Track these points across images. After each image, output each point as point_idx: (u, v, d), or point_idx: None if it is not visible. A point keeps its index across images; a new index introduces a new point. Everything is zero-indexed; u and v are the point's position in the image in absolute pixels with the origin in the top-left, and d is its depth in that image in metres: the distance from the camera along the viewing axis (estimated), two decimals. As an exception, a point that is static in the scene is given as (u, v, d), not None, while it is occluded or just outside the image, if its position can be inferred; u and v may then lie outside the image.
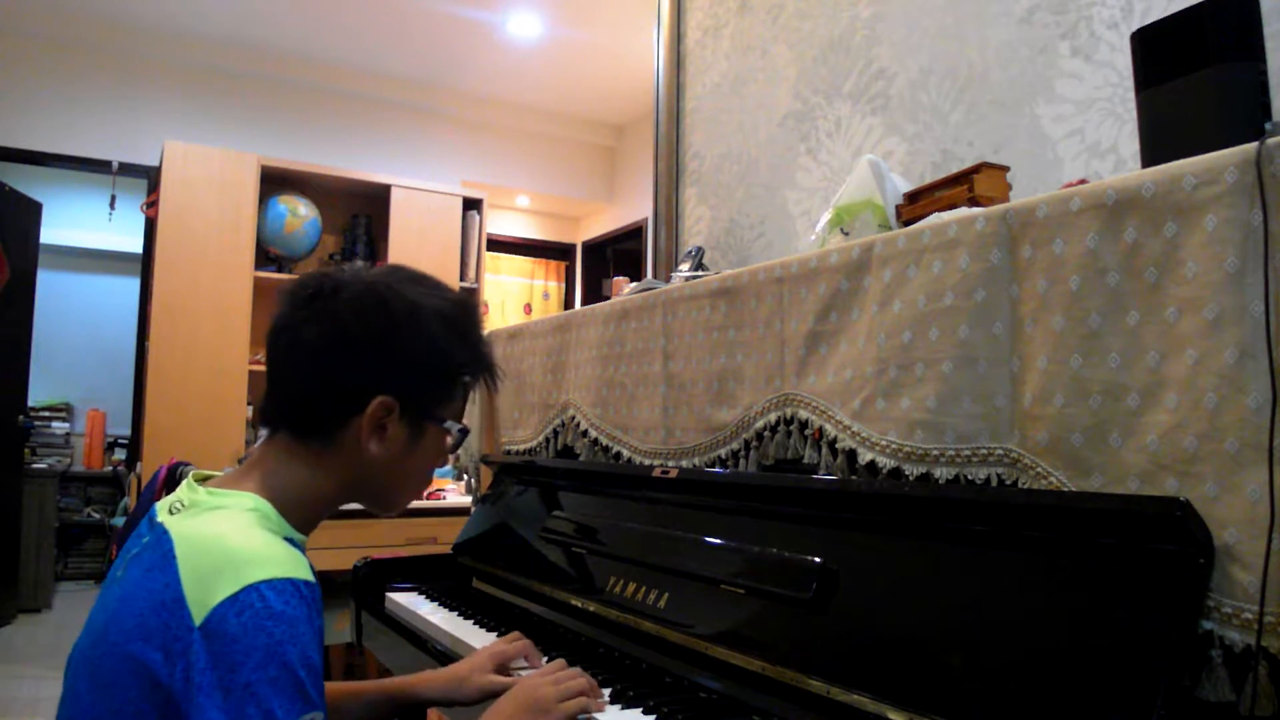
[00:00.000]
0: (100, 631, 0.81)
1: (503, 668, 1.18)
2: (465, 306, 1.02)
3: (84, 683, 0.80)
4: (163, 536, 0.83)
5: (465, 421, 1.03)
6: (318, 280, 0.96)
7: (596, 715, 1.00)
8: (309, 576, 0.82)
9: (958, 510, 0.92)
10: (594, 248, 6.64)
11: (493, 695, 1.13)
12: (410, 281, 0.99)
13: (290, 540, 0.88)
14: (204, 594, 0.77)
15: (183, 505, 0.89)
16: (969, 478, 0.93)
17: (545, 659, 1.25)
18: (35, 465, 5.34)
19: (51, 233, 5.50)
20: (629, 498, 1.45)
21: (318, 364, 0.93)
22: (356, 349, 0.93)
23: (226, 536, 0.82)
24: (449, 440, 1.01)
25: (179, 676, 0.75)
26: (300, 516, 0.92)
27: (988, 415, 0.93)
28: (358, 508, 1.04)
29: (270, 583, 0.77)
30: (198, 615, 0.76)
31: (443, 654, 1.38)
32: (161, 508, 0.90)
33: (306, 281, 0.97)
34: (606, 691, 1.06)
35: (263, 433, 0.99)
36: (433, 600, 1.65)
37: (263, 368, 4.26)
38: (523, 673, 1.19)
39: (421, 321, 0.96)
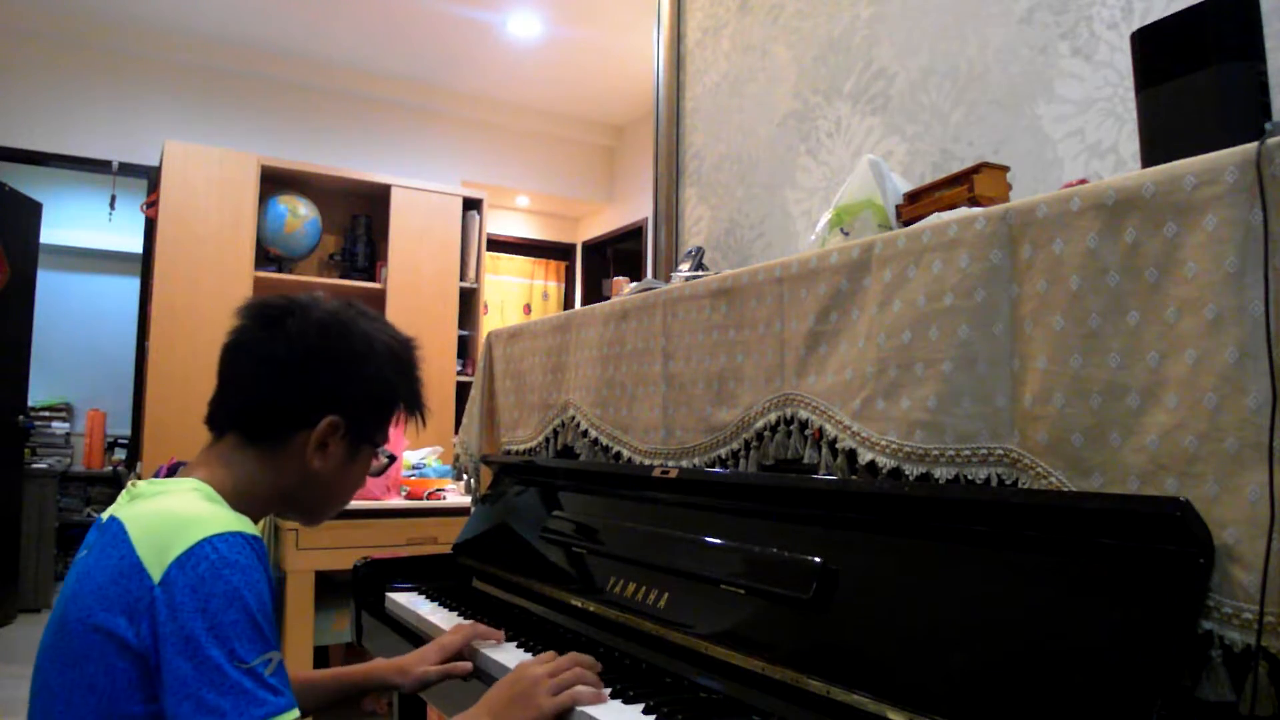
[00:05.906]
0: (60, 618, 0.85)
1: (454, 656, 1.25)
2: (410, 347, 1.13)
3: (52, 671, 0.84)
4: (110, 524, 0.89)
5: (405, 442, 1.12)
6: (285, 303, 1.04)
7: (596, 713, 1.00)
8: (254, 532, 0.88)
9: (957, 510, 0.92)
10: (594, 248, 6.63)
11: (429, 685, 1.23)
12: (365, 317, 1.08)
13: None
14: (159, 555, 0.82)
15: (126, 500, 0.94)
16: (969, 478, 0.93)
17: (504, 632, 1.31)
18: (35, 465, 5.33)
19: (51, 233, 5.50)
20: (629, 498, 1.45)
21: (282, 378, 1.00)
22: (318, 370, 1.01)
23: (174, 508, 0.88)
24: (377, 463, 1.11)
25: (145, 633, 0.80)
26: (240, 508, 0.96)
27: (988, 415, 0.93)
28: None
29: (220, 536, 0.84)
30: (155, 574, 0.81)
31: (443, 654, 1.38)
32: (107, 512, 0.95)
33: (273, 302, 1.05)
34: (606, 690, 1.06)
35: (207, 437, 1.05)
36: (433, 600, 1.65)
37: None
38: (488, 653, 1.25)
39: (375, 354, 1.06)
